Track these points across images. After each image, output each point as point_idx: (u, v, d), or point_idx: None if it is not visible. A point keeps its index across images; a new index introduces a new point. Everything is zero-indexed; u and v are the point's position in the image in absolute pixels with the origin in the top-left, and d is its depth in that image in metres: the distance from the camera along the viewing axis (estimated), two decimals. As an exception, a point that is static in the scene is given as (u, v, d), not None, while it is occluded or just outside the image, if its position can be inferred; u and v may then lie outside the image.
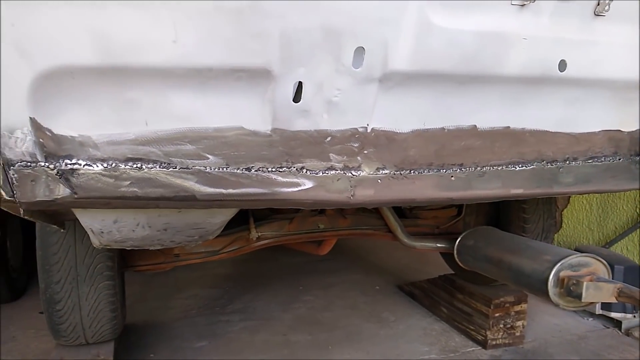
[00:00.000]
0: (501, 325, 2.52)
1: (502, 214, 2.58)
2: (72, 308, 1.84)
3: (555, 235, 3.43)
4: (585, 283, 1.73)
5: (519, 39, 1.14)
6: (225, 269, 3.70)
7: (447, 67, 1.11)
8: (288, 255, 3.77)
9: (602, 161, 1.37)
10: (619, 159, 1.39)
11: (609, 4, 1.19)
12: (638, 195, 2.89)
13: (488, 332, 2.50)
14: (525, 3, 1.14)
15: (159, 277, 3.42)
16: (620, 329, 2.72)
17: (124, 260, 2.09)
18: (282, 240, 2.40)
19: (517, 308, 2.56)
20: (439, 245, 2.44)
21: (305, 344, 2.59)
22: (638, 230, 2.94)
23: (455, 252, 2.26)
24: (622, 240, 3.03)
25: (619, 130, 1.38)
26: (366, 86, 1.06)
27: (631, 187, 1.43)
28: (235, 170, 1.03)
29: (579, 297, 1.73)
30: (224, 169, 1.03)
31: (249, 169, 1.04)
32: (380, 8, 1.00)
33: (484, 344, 2.52)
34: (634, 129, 1.39)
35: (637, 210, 2.95)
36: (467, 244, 2.22)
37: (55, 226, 1.46)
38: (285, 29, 0.95)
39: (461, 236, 2.26)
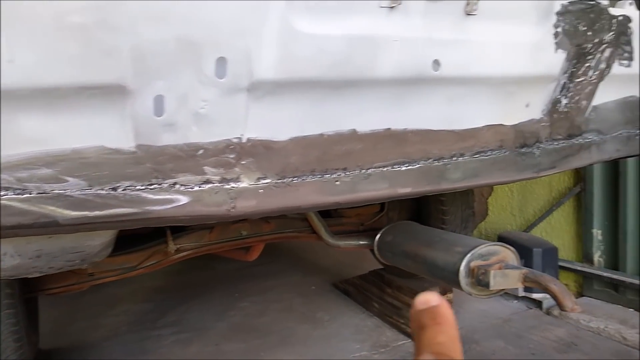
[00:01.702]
0: (429, 316, 2.57)
1: (422, 207, 2.62)
2: (-31, 341, 1.73)
3: (483, 223, 3.54)
4: (492, 272, 1.79)
5: (390, 41, 1.15)
6: (160, 281, 3.61)
7: (318, 74, 1.10)
8: (224, 262, 3.72)
9: (488, 155, 1.41)
10: (505, 152, 1.43)
11: (476, 3, 1.22)
12: (552, 180, 3.02)
13: (416, 324, 2.54)
14: (394, 5, 1.15)
15: (90, 295, 3.28)
16: (541, 309, 2.84)
17: (30, 285, 1.98)
18: (204, 251, 2.35)
19: (444, 298, 2.61)
20: (361, 242, 2.45)
21: (237, 353, 2.57)
22: (553, 213, 3.08)
23: (375, 248, 2.29)
24: (540, 224, 3.16)
25: (502, 125, 1.42)
26: (234, 96, 1.03)
27: (519, 178, 1.48)
28: (100, 191, 0.98)
29: (487, 285, 1.79)
30: (87, 190, 0.98)
31: (114, 189, 0.99)
32: (238, 17, 0.97)
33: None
34: (516, 122, 1.44)
35: (552, 194, 3.09)
36: (386, 240, 2.25)
37: None
38: (136, 42, 0.91)
39: (381, 232, 2.29)
